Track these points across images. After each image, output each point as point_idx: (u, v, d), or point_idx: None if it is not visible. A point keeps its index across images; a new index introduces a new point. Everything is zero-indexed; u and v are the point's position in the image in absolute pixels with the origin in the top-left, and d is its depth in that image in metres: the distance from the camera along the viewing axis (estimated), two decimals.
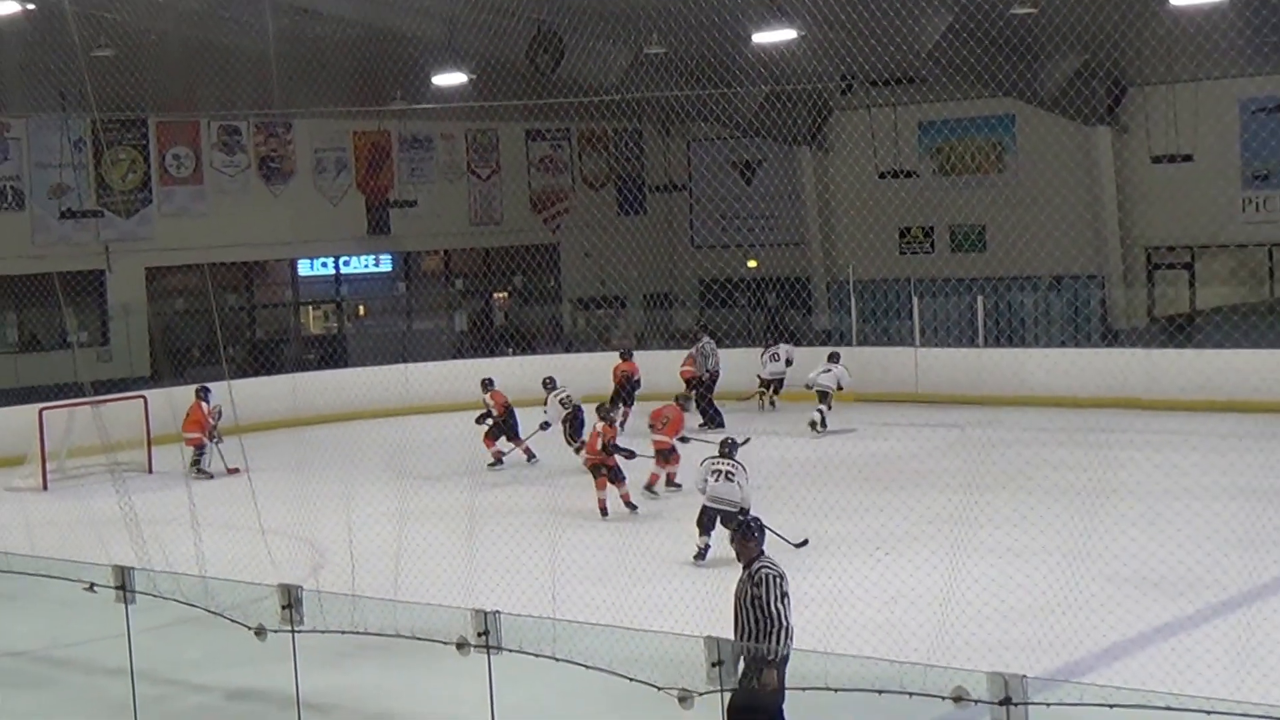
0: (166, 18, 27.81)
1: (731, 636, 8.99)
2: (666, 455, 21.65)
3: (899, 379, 29.39)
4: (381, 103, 32.62)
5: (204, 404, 25.16)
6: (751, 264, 40.04)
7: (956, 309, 31.56)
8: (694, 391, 27.77)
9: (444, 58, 30.23)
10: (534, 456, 24.65)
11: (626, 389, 27.89)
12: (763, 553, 10.28)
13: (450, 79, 30.44)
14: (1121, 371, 27.59)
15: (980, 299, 30.86)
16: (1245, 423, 24.77)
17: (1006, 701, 7.66)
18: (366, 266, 37.83)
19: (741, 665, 9.07)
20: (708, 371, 28.82)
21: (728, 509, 16.81)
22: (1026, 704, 7.72)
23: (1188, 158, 31.39)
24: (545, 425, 24.49)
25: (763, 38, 28.05)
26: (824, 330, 35.27)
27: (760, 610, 9.80)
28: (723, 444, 18.15)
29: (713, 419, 27.50)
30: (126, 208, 33.02)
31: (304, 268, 36.98)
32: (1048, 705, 7.66)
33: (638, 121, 40.35)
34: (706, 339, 29.57)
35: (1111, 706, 7.79)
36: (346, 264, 37.34)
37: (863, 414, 27.89)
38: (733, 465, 17.44)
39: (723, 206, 40.72)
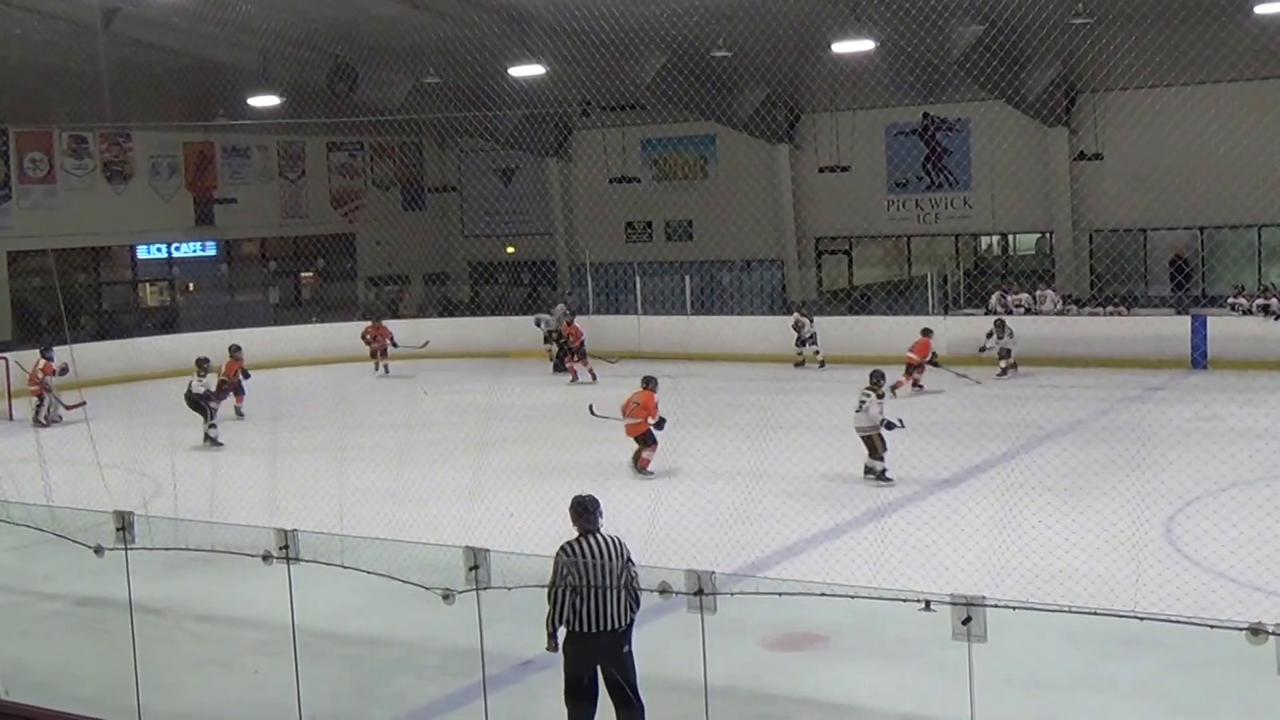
0: (23, 46, 26.75)
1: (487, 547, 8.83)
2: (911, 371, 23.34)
3: (625, 339, 29.50)
4: (207, 118, 31.77)
5: (49, 362, 23.76)
6: (510, 250, 39.86)
7: (670, 285, 31.77)
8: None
9: (259, 83, 29.58)
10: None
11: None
12: (588, 530, 8.43)
13: (264, 100, 29.79)
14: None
15: (688, 278, 31.16)
16: (892, 373, 25.34)
17: (699, 592, 7.68)
18: (195, 251, 36.66)
19: None
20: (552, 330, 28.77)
21: (862, 434, 16.44)
22: (715, 594, 7.75)
23: (846, 169, 32.03)
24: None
25: (517, 71, 27.95)
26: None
27: None
28: (871, 374, 17.16)
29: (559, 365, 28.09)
30: None
31: (142, 252, 35.70)
32: (731, 595, 7.70)
33: (418, 136, 39.83)
34: (560, 305, 29.61)
35: (781, 595, 7.90)
36: (178, 249, 36.14)
37: (596, 367, 27.94)
38: (865, 394, 16.61)
39: (487, 204, 40.44)
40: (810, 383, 24.85)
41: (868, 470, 16.41)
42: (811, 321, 27.44)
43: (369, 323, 29.89)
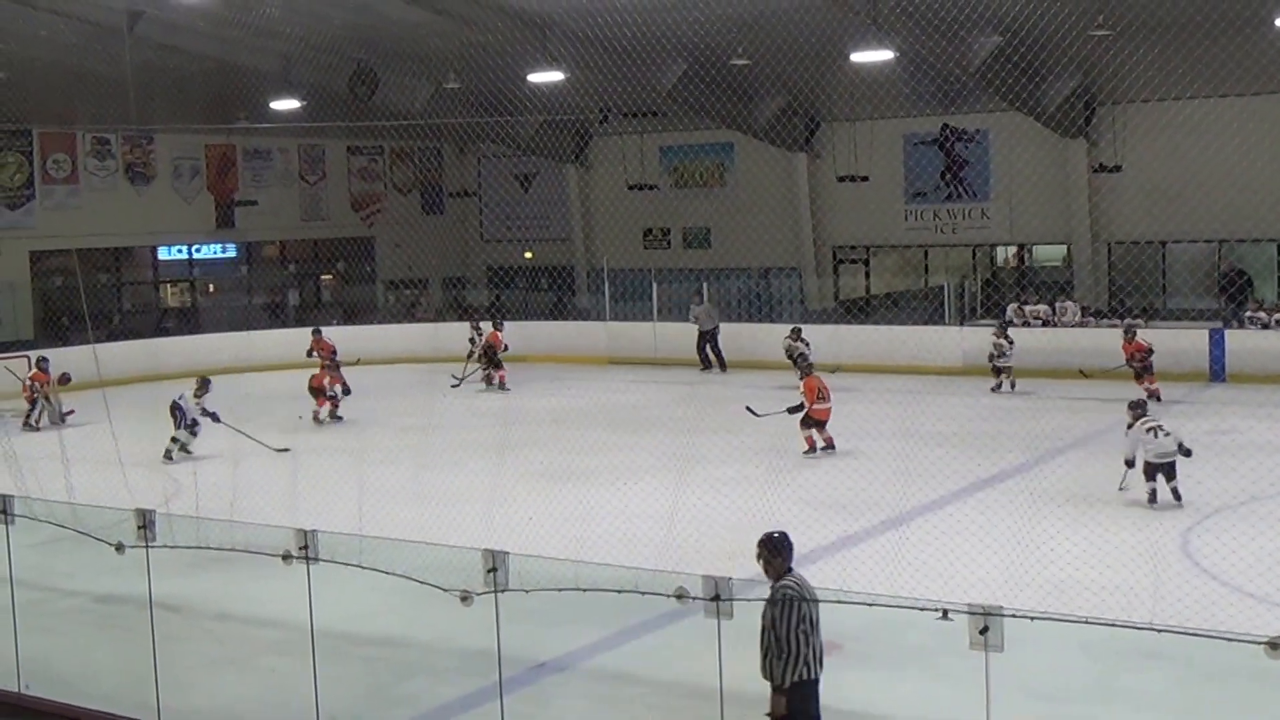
0: (48, 48, 26.93)
1: (506, 549, 8.79)
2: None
3: (642, 346, 29.49)
4: (229, 121, 31.90)
5: (41, 371, 23.98)
6: (528, 255, 39.88)
7: (687, 292, 31.74)
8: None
9: (280, 87, 29.66)
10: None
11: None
12: (790, 569, 7.85)
13: (285, 104, 29.84)
14: (814, 341, 28.02)
15: (705, 285, 31.16)
16: (908, 381, 25.26)
17: (716, 598, 7.69)
18: (215, 253, 36.86)
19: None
20: (706, 329, 28.75)
21: (1172, 459, 14.95)
22: (732, 600, 7.76)
23: (864, 178, 32.03)
24: None
25: (537, 77, 27.96)
26: (584, 308, 35.27)
27: (774, 634, 7.65)
28: (1138, 404, 15.77)
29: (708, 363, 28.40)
30: (13, 202, 31.86)
31: (163, 253, 35.87)
32: (748, 601, 7.71)
33: (438, 141, 39.92)
34: (703, 304, 29.32)
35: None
36: (198, 250, 36.35)
37: (614, 374, 28.00)
38: (1155, 419, 15.33)
39: (505, 209, 40.50)
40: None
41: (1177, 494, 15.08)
42: (808, 345, 25.97)
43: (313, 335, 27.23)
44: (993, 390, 24.50)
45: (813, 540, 13.82)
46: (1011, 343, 24.78)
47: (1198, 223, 29.10)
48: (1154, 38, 24.25)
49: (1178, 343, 24.92)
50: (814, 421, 18.98)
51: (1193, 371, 24.47)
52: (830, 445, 19.02)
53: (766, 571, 7.87)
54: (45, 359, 24.33)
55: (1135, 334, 23.29)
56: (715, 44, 27.13)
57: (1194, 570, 12.42)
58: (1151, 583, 11.32)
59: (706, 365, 28.57)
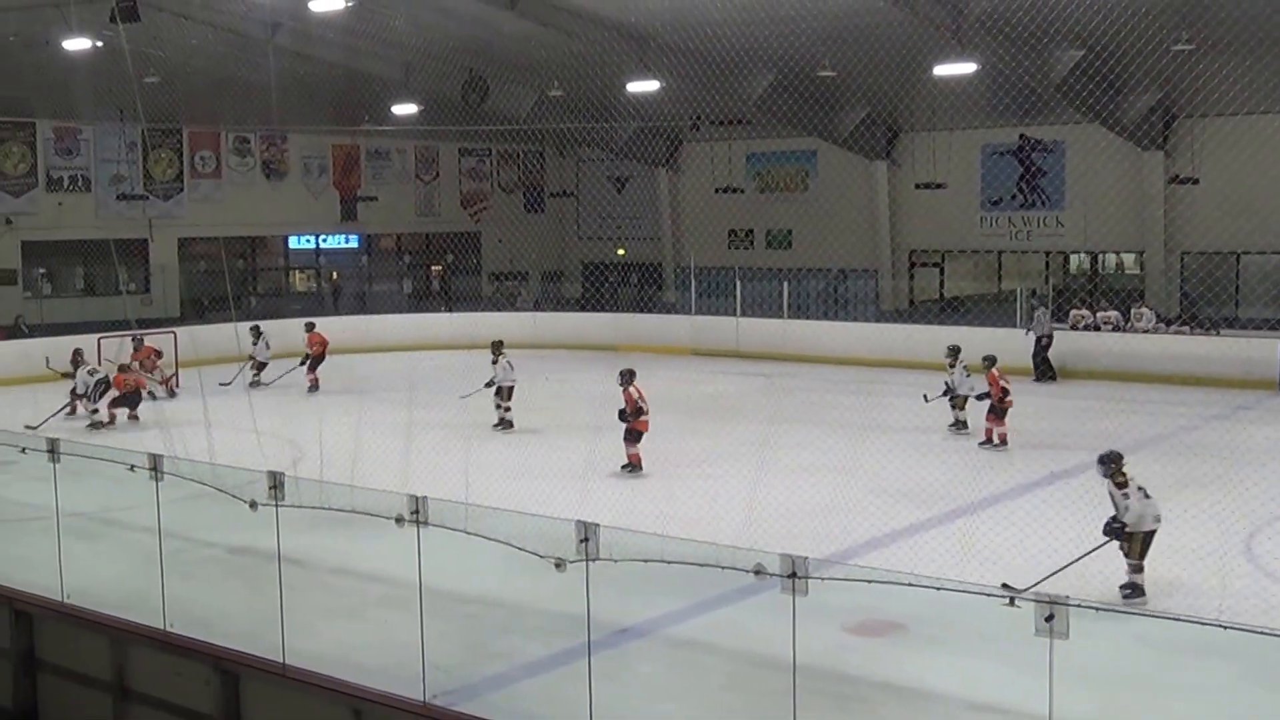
0: (198, 56, 27.59)
1: (597, 521, 8.75)
2: None
3: (725, 339, 29.36)
4: (354, 124, 32.45)
5: (138, 351, 24.09)
6: (620, 252, 40.02)
7: (768, 290, 31.55)
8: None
9: (400, 93, 30.06)
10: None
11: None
12: None
13: (405, 109, 30.24)
14: (887, 339, 27.78)
15: (786, 284, 30.94)
16: (980, 382, 24.82)
17: (793, 575, 7.67)
18: (339, 243, 37.59)
19: None
20: (1043, 335, 25.78)
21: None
22: (808, 578, 7.72)
23: (941, 186, 31.64)
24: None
25: (634, 87, 28.03)
26: (671, 303, 35.25)
27: None
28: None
29: (1043, 374, 25.41)
30: (165, 193, 33.01)
31: (293, 242, 36.85)
32: (823, 580, 7.67)
33: (540, 145, 40.18)
34: (1041, 309, 26.52)
35: (869, 582, 7.84)
36: (325, 241, 37.18)
37: (697, 364, 27.94)
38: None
39: (601, 209, 40.65)
40: (898, 387, 24.40)
41: None
42: (503, 362, 20.22)
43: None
44: (951, 427, 19.43)
45: (885, 526, 13.74)
46: (966, 370, 19.54)
47: (1275, 235, 28.14)
48: (1235, 52, 23.53)
49: (1249, 351, 24.05)
50: (636, 434, 16.62)
51: (1262, 380, 23.58)
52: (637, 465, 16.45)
53: None
54: (140, 339, 24.37)
55: (994, 364, 18.67)
56: (802, 56, 27.00)
57: (1258, 574, 11.99)
58: (1219, 582, 11.00)
59: (1050, 375, 25.26)
